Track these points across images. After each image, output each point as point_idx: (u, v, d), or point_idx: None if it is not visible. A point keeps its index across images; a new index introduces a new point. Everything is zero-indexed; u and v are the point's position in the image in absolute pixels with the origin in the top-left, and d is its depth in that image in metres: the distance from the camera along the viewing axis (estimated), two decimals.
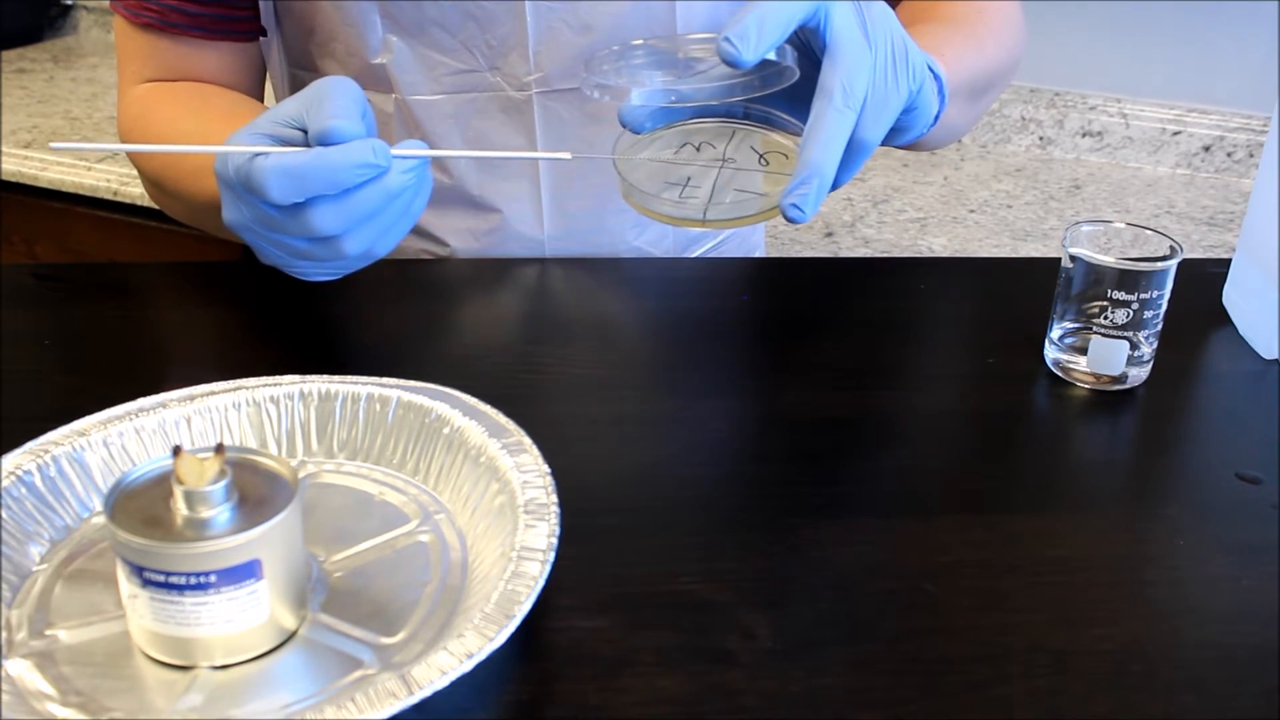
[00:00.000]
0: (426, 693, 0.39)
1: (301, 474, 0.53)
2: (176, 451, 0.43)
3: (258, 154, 0.54)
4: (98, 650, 0.44)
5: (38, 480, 0.50)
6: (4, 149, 1.43)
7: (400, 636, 0.45)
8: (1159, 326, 0.66)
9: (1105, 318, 0.65)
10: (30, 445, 0.51)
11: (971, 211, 1.38)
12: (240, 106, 0.78)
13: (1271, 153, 0.72)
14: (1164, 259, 0.64)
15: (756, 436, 0.62)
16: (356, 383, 0.57)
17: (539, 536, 0.47)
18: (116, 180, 1.36)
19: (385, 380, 0.57)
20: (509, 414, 0.55)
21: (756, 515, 0.55)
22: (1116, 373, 0.66)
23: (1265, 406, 0.66)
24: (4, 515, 0.48)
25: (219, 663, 0.44)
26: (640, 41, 0.59)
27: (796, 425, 0.62)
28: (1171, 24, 1.50)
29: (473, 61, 0.79)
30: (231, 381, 0.57)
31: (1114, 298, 0.64)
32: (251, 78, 0.85)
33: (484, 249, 0.86)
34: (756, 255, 1.03)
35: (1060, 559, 0.52)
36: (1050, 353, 0.68)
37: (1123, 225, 0.68)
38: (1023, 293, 0.76)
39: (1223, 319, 0.76)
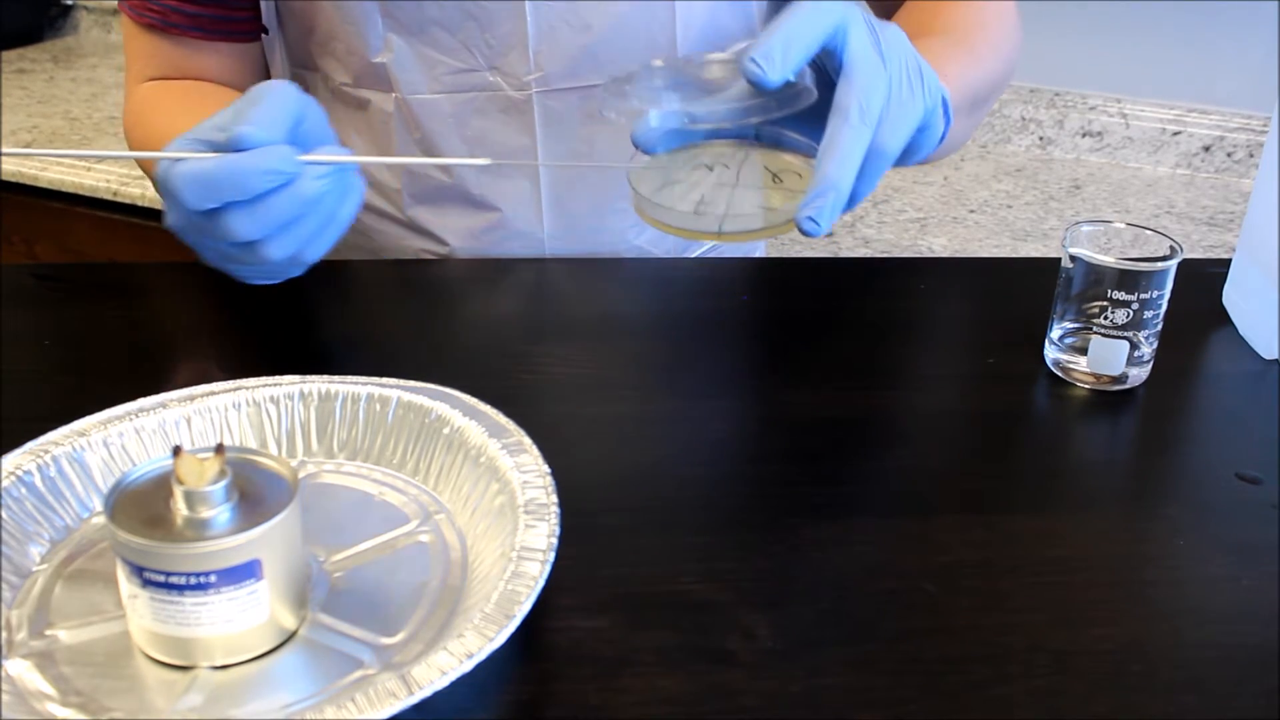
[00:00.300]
0: (426, 693, 0.39)
1: (301, 474, 0.53)
2: (176, 451, 0.43)
3: (178, 159, 0.54)
4: (98, 650, 0.44)
5: (38, 480, 0.50)
6: (4, 149, 1.43)
7: (400, 636, 0.45)
8: (1159, 326, 0.66)
9: (1105, 318, 0.65)
10: (30, 445, 0.51)
11: (971, 211, 1.38)
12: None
13: (1271, 153, 0.72)
14: (1164, 259, 0.64)
15: (756, 436, 0.62)
16: (356, 383, 0.57)
17: (539, 536, 0.47)
18: (116, 180, 1.36)
19: (385, 380, 0.57)
20: (509, 414, 0.55)
21: (756, 515, 0.55)
22: (1116, 373, 0.66)
23: (1265, 406, 0.66)
24: (4, 515, 0.48)
25: (219, 663, 0.44)
26: (660, 63, 0.59)
27: (796, 425, 0.62)
28: (1171, 24, 1.50)
29: (472, 61, 0.79)
30: (231, 381, 0.57)
31: (1114, 298, 0.64)
32: (253, 77, 0.85)
33: (484, 248, 0.86)
34: (756, 255, 1.03)
35: (1060, 559, 0.52)
36: (1050, 353, 0.68)
37: (1123, 225, 0.68)
38: (1023, 293, 0.76)
39: (1223, 319, 0.76)
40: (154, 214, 1.37)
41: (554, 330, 0.72)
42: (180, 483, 0.43)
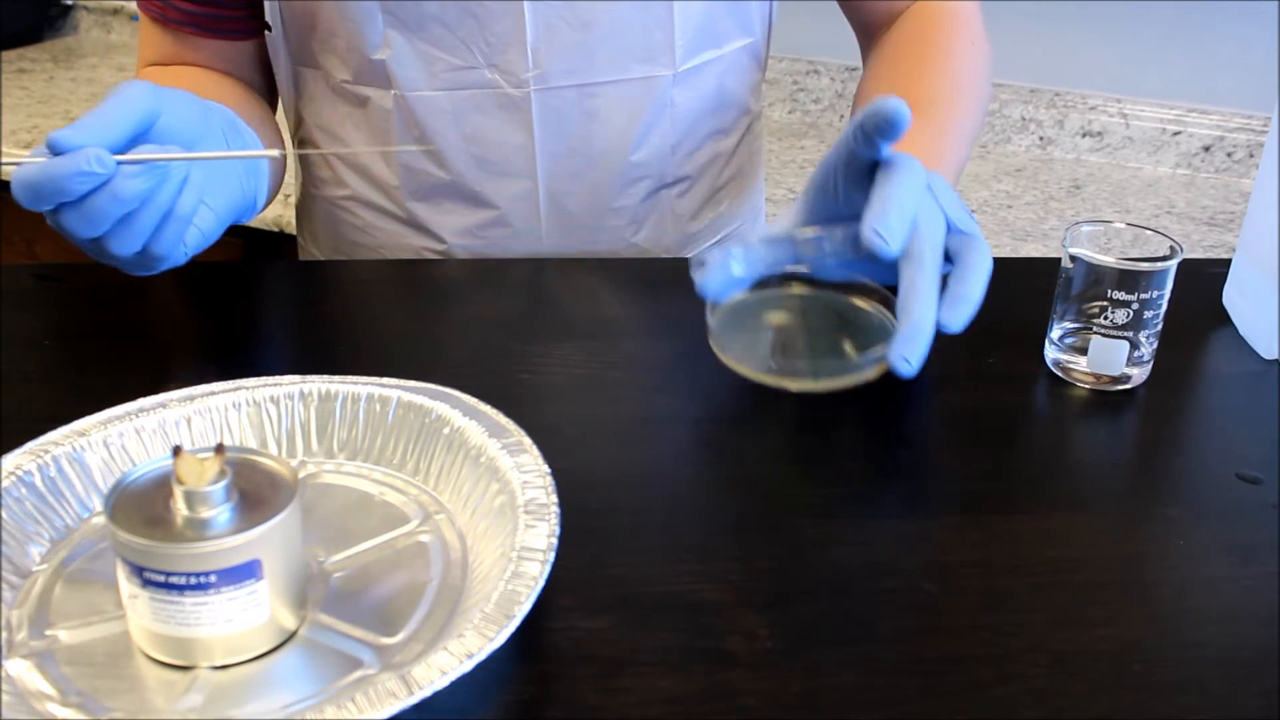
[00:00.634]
0: (426, 693, 0.39)
1: (301, 474, 0.53)
2: (176, 451, 0.43)
3: (18, 164, 0.57)
4: (98, 650, 0.44)
5: (38, 480, 0.50)
6: (4, 149, 1.43)
7: (400, 636, 0.45)
8: (1159, 326, 0.66)
9: (1105, 318, 0.65)
10: (30, 445, 0.51)
11: (972, 211, 1.38)
12: (228, 97, 0.78)
13: (1271, 153, 0.72)
14: (1164, 259, 0.64)
15: (756, 436, 0.62)
16: (356, 383, 0.57)
17: (539, 536, 0.47)
18: None
19: (385, 380, 0.57)
20: (509, 414, 0.55)
21: (756, 515, 0.55)
22: (1116, 373, 0.66)
23: (1265, 406, 0.66)
24: (4, 515, 0.48)
25: (219, 663, 0.44)
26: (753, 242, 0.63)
27: (796, 425, 0.62)
28: (1171, 24, 1.50)
29: (471, 58, 0.79)
30: (231, 381, 0.57)
31: (1114, 298, 0.64)
32: (251, 73, 0.86)
33: (482, 246, 0.86)
34: None
35: (1060, 559, 0.52)
36: (1050, 353, 0.68)
37: (1123, 225, 0.68)
38: (1023, 293, 0.76)
39: (1223, 319, 0.76)
40: None
41: (554, 330, 0.72)
42: (180, 483, 0.43)
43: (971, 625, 0.48)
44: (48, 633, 0.45)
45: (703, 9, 0.82)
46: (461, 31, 0.78)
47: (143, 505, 0.43)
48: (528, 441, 0.53)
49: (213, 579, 0.42)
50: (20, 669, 0.43)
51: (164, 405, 0.55)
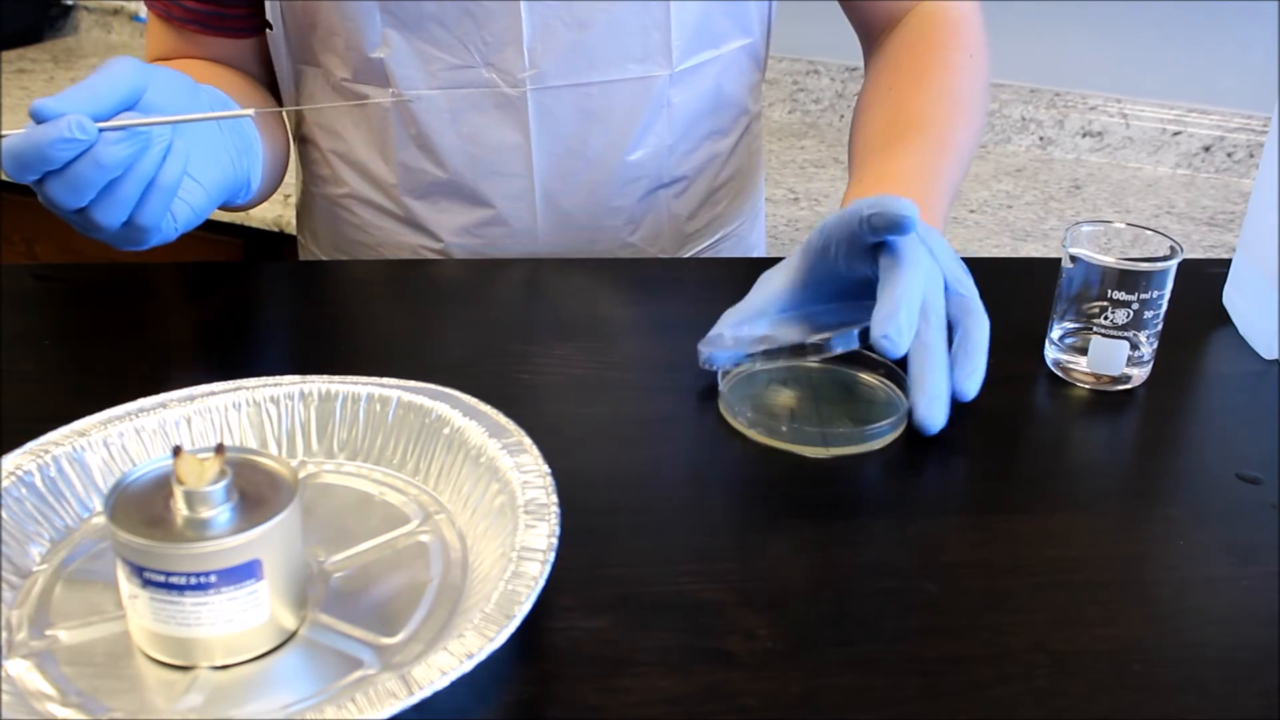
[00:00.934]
0: (426, 693, 0.39)
1: (301, 474, 0.53)
2: (176, 451, 0.43)
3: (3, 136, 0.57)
4: (98, 650, 0.44)
5: (38, 480, 0.50)
6: None
7: (400, 636, 0.45)
8: (1159, 326, 0.66)
9: (1105, 318, 0.65)
10: (30, 445, 0.51)
11: (971, 211, 1.38)
12: (229, 86, 0.78)
13: (1271, 153, 0.72)
14: (1164, 259, 0.64)
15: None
16: (356, 383, 0.57)
17: (539, 536, 0.47)
18: None
19: (385, 380, 0.57)
20: (509, 414, 0.55)
21: (756, 515, 0.55)
22: (1116, 373, 0.66)
23: (1265, 406, 0.66)
24: (4, 515, 0.48)
25: (219, 663, 0.44)
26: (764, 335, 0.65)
27: None
28: (1171, 24, 1.50)
29: (468, 57, 0.79)
30: (231, 381, 0.57)
31: (1114, 298, 0.64)
32: (255, 70, 0.86)
33: (479, 244, 0.86)
34: (756, 256, 1.03)
35: (1060, 559, 0.52)
36: (1050, 353, 0.68)
37: (1123, 225, 0.68)
38: (1023, 293, 0.76)
39: (1223, 319, 0.76)
40: None
41: (554, 330, 0.72)
42: (180, 483, 0.43)
43: (971, 625, 0.48)
44: (48, 633, 0.45)
45: (699, 9, 0.82)
46: (459, 31, 0.78)
47: (143, 505, 0.43)
48: (528, 441, 0.53)
49: (213, 579, 0.42)
50: (20, 669, 0.43)
51: (164, 405, 0.55)
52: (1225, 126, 1.52)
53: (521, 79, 0.80)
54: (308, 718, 0.39)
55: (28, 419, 0.54)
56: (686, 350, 0.67)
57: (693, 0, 0.81)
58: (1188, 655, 0.47)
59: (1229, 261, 0.78)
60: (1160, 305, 0.65)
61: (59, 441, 0.52)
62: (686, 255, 0.92)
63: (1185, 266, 0.65)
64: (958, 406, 0.60)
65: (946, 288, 0.63)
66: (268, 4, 0.81)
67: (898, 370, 0.63)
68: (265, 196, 0.82)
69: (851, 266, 0.62)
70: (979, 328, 0.62)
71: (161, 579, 0.42)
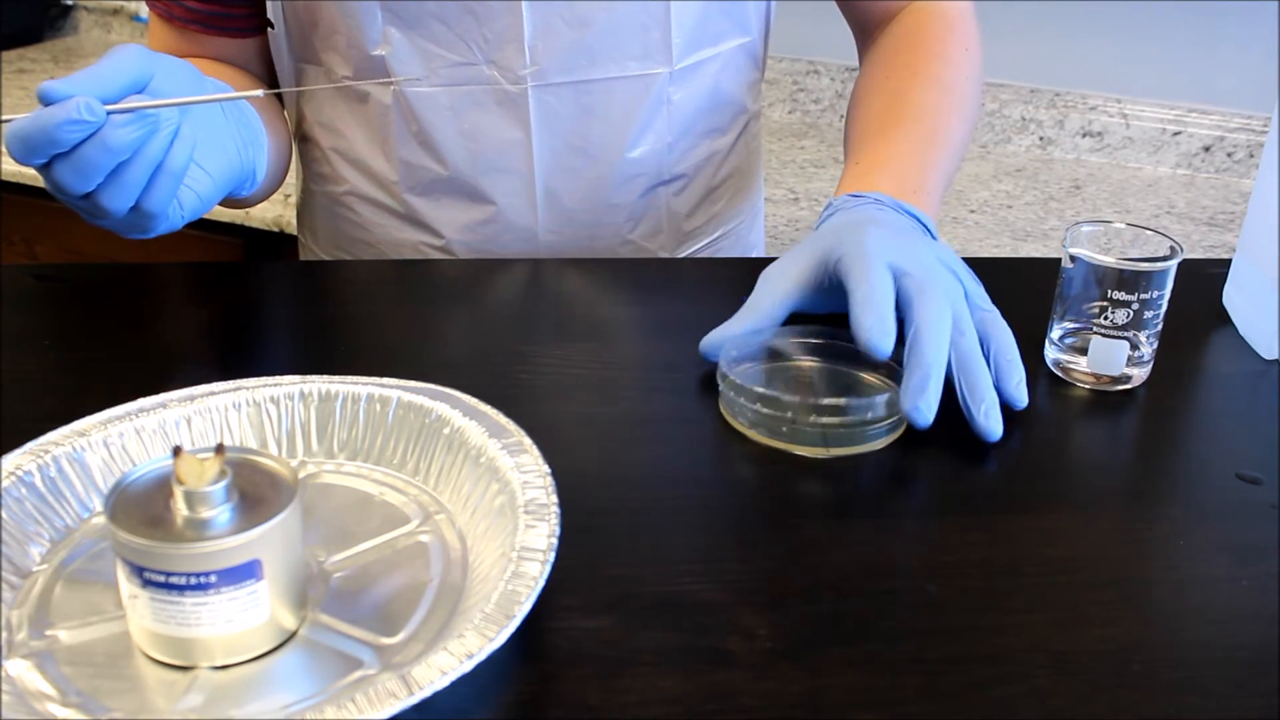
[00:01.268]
0: (426, 693, 0.39)
1: (301, 474, 0.53)
2: (176, 451, 0.43)
3: (8, 121, 0.57)
4: (98, 650, 0.44)
5: (38, 480, 0.50)
6: (4, 149, 1.43)
7: (400, 636, 0.45)
8: (1159, 326, 0.66)
9: (1105, 318, 0.65)
10: (30, 445, 0.51)
11: (971, 211, 1.38)
12: (232, 83, 0.78)
13: (1271, 153, 0.72)
14: (1164, 259, 0.64)
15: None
16: (356, 383, 0.57)
17: (539, 536, 0.47)
18: None
19: (385, 380, 0.57)
20: (509, 414, 0.55)
21: (756, 515, 0.55)
22: (1116, 373, 0.66)
23: (1265, 406, 0.66)
24: (4, 515, 0.48)
25: (219, 663, 0.44)
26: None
27: None
28: (1171, 24, 1.50)
29: (469, 54, 0.79)
30: (231, 381, 0.57)
31: (1114, 298, 0.64)
32: (257, 69, 0.87)
33: (479, 241, 0.86)
34: (755, 256, 1.03)
35: (1060, 559, 0.52)
36: (1050, 353, 0.68)
37: (1123, 225, 0.68)
38: (1023, 293, 0.76)
39: (1223, 319, 0.76)
40: None
41: (554, 330, 0.72)
42: (180, 483, 0.43)
43: (971, 625, 0.48)
44: (48, 633, 0.45)
45: (699, 8, 0.82)
46: (460, 28, 0.78)
47: (143, 505, 0.43)
48: (528, 441, 0.53)
49: (213, 579, 0.42)
50: (20, 669, 0.43)
51: (164, 405, 0.55)
52: (1225, 126, 1.52)
53: (522, 76, 0.80)
54: (308, 718, 0.39)
55: (28, 419, 0.54)
56: (686, 350, 0.67)
57: (692, 1, 0.81)
58: (1188, 655, 0.47)
59: (1229, 261, 0.78)
60: (1160, 305, 0.65)
61: (59, 441, 0.52)
62: (686, 252, 0.92)
63: (1185, 266, 0.65)
64: (960, 408, 0.60)
65: (967, 296, 0.64)
66: (269, 3, 0.81)
67: (898, 369, 0.63)
68: (269, 192, 0.82)
69: (844, 299, 0.63)
70: (1009, 338, 0.63)
71: (161, 579, 0.42)
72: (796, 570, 0.51)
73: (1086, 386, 0.67)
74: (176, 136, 0.59)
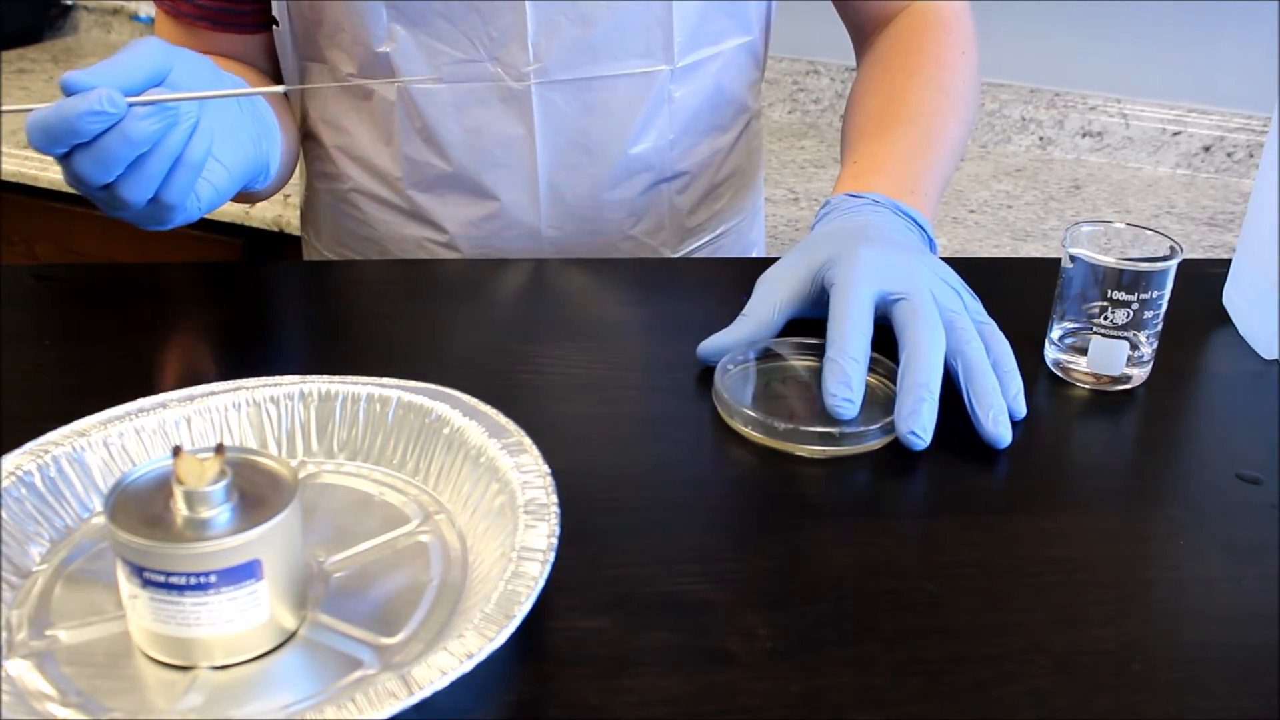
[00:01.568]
0: (426, 693, 0.39)
1: (301, 474, 0.53)
2: (176, 451, 0.43)
3: (32, 111, 0.57)
4: (98, 650, 0.44)
5: (38, 480, 0.50)
6: (4, 149, 1.43)
7: (400, 636, 0.45)
8: (1159, 326, 0.66)
9: (1105, 318, 0.65)
10: (30, 445, 0.51)
11: (971, 211, 1.38)
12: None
13: (1271, 153, 0.72)
14: (1164, 259, 0.64)
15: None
16: (356, 383, 0.57)
17: (539, 536, 0.47)
18: None
19: (385, 380, 0.57)
20: (509, 414, 0.55)
21: (756, 515, 0.55)
22: (1116, 373, 0.66)
23: (1265, 406, 0.66)
24: (4, 515, 0.48)
25: (219, 663, 0.44)
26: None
27: None
28: (1171, 24, 1.50)
29: (473, 51, 0.79)
30: (231, 381, 0.57)
31: (1114, 298, 0.64)
32: (264, 66, 0.87)
33: (483, 236, 0.86)
34: (755, 255, 1.03)
35: (1060, 559, 0.52)
36: (1050, 353, 0.68)
37: (1123, 225, 0.68)
38: (1023, 293, 0.76)
39: (1223, 319, 0.76)
40: None
41: (554, 330, 0.72)
42: (180, 483, 0.43)
43: (971, 625, 0.48)
44: (48, 633, 0.45)
45: (700, 7, 0.82)
46: (464, 25, 0.78)
47: (143, 505, 0.43)
48: (528, 441, 0.53)
49: (213, 579, 0.42)
50: (20, 669, 0.43)
51: (164, 405, 0.55)
52: (1225, 126, 1.52)
53: (525, 73, 0.80)
54: (308, 718, 0.39)
55: (28, 419, 0.54)
56: (686, 350, 0.67)
57: (694, 1, 0.81)
58: (1188, 655, 0.47)
59: (1229, 261, 0.78)
60: (1160, 305, 0.65)
61: (59, 441, 0.52)
62: (688, 249, 0.92)
63: (1185, 266, 0.65)
64: (960, 408, 0.60)
65: (965, 308, 0.64)
66: (274, 1, 0.81)
67: (897, 370, 0.63)
68: (279, 187, 0.83)
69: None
70: (1007, 349, 0.64)
71: (161, 579, 0.42)
72: (796, 570, 0.51)
73: (1086, 386, 0.67)
74: (196, 129, 0.60)
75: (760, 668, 0.45)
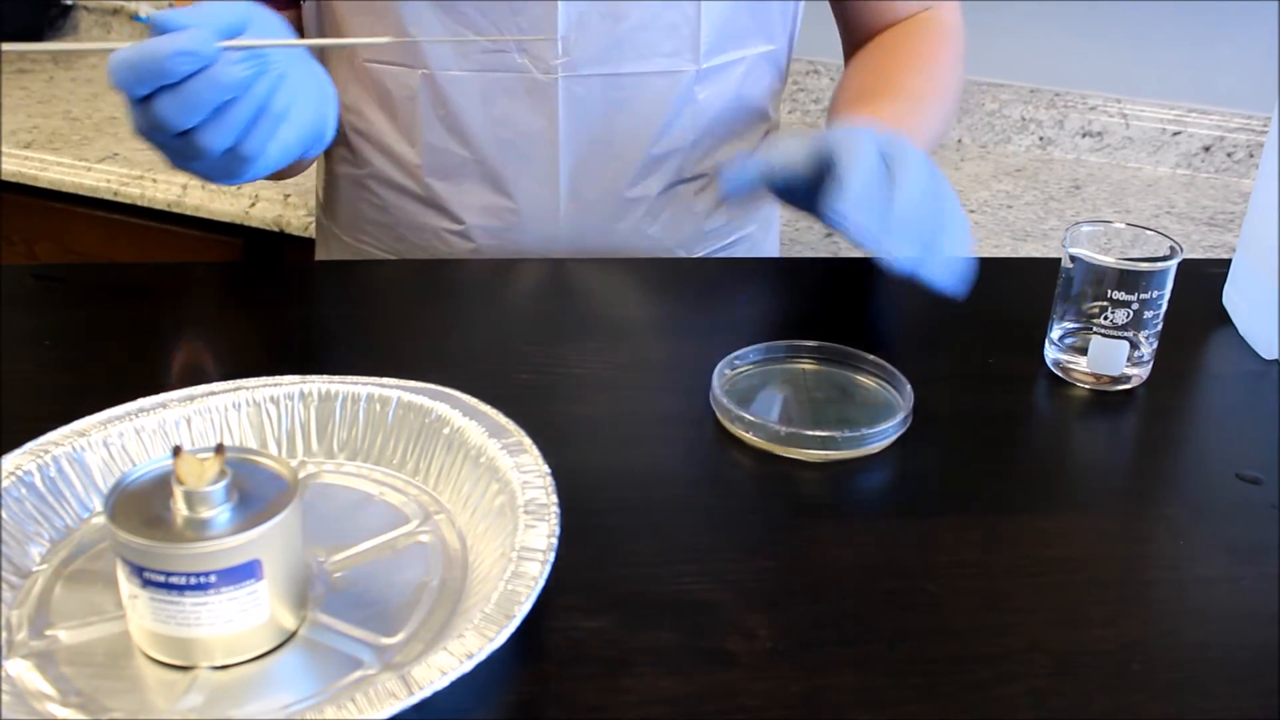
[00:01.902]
0: (426, 693, 0.39)
1: (301, 474, 0.53)
2: (176, 451, 0.43)
3: (115, 50, 0.56)
4: (98, 650, 0.44)
5: (38, 480, 0.50)
6: (4, 149, 1.43)
7: (400, 636, 0.45)
8: (1159, 326, 0.66)
9: (1105, 318, 0.65)
10: (30, 445, 0.51)
11: (971, 211, 1.38)
12: None
13: (1271, 153, 0.72)
14: (1164, 259, 0.64)
15: None
16: (356, 383, 0.57)
17: (539, 536, 0.47)
18: (116, 180, 1.36)
19: (385, 380, 0.57)
20: (509, 414, 0.55)
21: (756, 515, 0.55)
22: (1116, 373, 0.66)
23: (1265, 406, 0.66)
24: (4, 515, 0.48)
25: (219, 663, 0.44)
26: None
27: None
28: (1171, 24, 1.50)
29: (502, 41, 0.79)
30: (231, 381, 0.57)
31: (1114, 298, 0.64)
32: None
33: (499, 228, 0.86)
34: (755, 255, 1.03)
35: (1060, 559, 0.52)
36: (1050, 353, 0.68)
37: (1123, 225, 0.68)
38: (1023, 293, 0.76)
39: (1223, 319, 0.76)
40: (154, 214, 1.37)
41: (554, 330, 0.72)
42: (180, 483, 0.43)
43: (971, 625, 0.48)
44: (48, 633, 0.45)
45: (727, 8, 0.83)
46: (494, 15, 0.79)
47: (143, 505, 0.43)
48: (528, 441, 0.53)
49: (213, 579, 0.42)
50: (20, 669, 0.43)
51: (164, 405, 0.55)
52: (1225, 126, 1.52)
53: (553, 66, 0.80)
54: (308, 718, 0.39)
55: (28, 419, 0.54)
56: (686, 350, 0.67)
57: (721, 1, 0.82)
58: (1188, 655, 0.47)
59: (1229, 261, 0.78)
60: (1160, 305, 0.65)
61: (59, 441, 0.52)
62: (703, 253, 0.93)
63: (1185, 266, 0.65)
64: (959, 408, 0.60)
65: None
66: None
67: (896, 372, 0.63)
68: (312, 163, 0.82)
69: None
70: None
71: (161, 579, 0.42)
72: (796, 570, 0.51)
73: (1086, 386, 0.67)
74: (282, 80, 0.58)
75: (760, 668, 0.45)
